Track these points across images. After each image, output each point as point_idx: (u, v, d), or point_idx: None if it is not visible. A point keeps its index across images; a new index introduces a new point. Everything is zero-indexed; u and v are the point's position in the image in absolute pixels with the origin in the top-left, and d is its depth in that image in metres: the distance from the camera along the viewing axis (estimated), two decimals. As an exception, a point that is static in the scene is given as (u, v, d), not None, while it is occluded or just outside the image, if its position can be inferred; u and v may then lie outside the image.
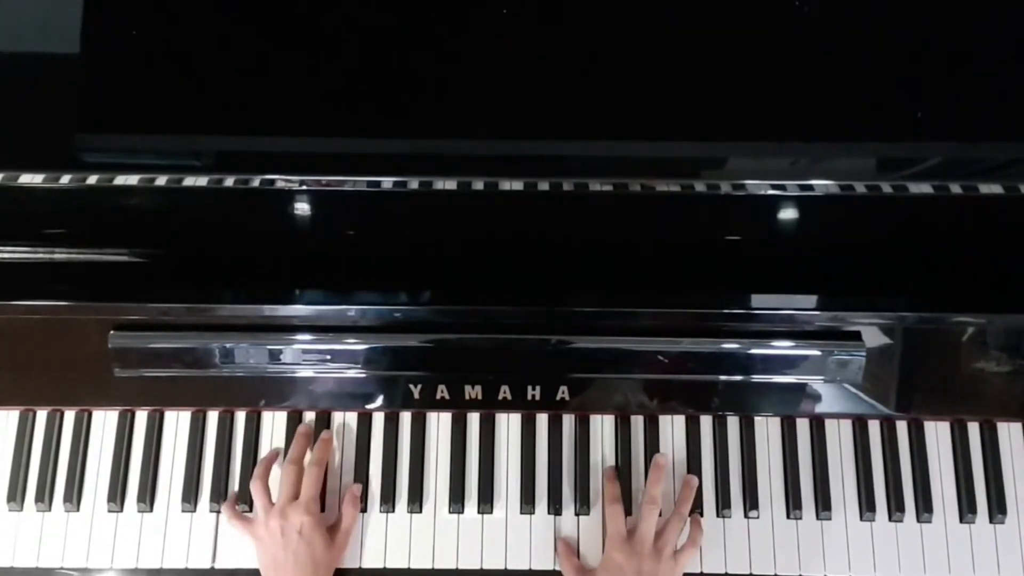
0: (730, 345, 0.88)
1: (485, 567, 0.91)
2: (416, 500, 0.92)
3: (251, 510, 0.92)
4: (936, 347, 0.91)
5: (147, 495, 0.92)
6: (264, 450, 0.94)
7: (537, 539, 0.91)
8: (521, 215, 0.88)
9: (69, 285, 0.87)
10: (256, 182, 0.84)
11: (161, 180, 0.84)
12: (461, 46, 0.84)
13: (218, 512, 0.92)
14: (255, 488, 0.90)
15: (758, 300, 0.86)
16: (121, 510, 0.92)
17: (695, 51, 0.84)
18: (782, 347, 0.88)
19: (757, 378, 0.90)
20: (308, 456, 0.92)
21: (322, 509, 0.91)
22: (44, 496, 0.92)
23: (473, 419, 0.94)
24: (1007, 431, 0.94)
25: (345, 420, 0.95)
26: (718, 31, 0.83)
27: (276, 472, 0.92)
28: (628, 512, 0.91)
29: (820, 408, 0.93)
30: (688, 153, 0.84)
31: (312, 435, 0.93)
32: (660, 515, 0.88)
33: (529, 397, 0.92)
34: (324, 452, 0.92)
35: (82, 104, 0.83)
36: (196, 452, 0.93)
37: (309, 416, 0.94)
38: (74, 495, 0.92)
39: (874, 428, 0.94)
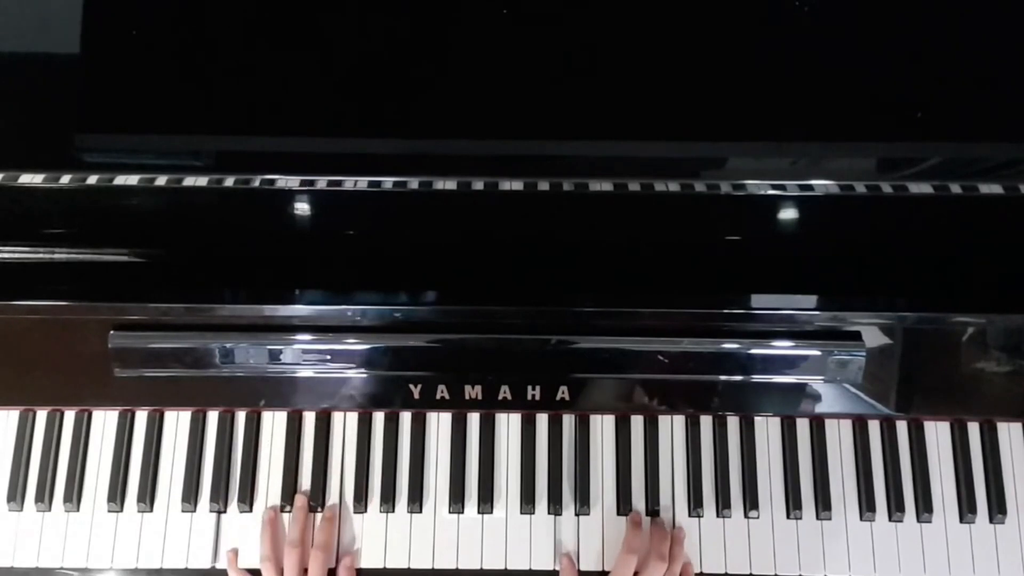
0: (730, 345, 0.88)
1: (485, 567, 0.91)
2: (416, 500, 0.92)
3: (251, 510, 0.92)
4: (936, 347, 0.91)
5: (147, 495, 0.92)
6: (264, 450, 0.94)
7: (537, 539, 0.91)
8: (521, 215, 0.88)
9: (69, 285, 0.87)
10: (256, 182, 0.84)
11: (161, 180, 0.84)
12: (462, 46, 0.84)
13: (218, 512, 0.92)
14: (266, 570, 0.88)
15: (758, 300, 0.86)
16: (121, 510, 0.92)
17: (695, 51, 0.84)
18: (782, 347, 0.88)
19: (757, 378, 0.90)
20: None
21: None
22: (44, 496, 0.92)
23: (473, 419, 0.94)
24: (1007, 431, 0.94)
25: (345, 420, 0.94)
26: (718, 31, 0.84)
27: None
28: (627, 510, 0.91)
29: (820, 408, 0.93)
30: (688, 153, 0.84)
31: (308, 507, 0.91)
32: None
33: (529, 397, 0.92)
34: (329, 534, 0.90)
35: (82, 104, 0.83)
36: (196, 452, 0.93)
37: (309, 416, 0.94)
38: (74, 495, 0.92)
39: (874, 428, 0.94)
